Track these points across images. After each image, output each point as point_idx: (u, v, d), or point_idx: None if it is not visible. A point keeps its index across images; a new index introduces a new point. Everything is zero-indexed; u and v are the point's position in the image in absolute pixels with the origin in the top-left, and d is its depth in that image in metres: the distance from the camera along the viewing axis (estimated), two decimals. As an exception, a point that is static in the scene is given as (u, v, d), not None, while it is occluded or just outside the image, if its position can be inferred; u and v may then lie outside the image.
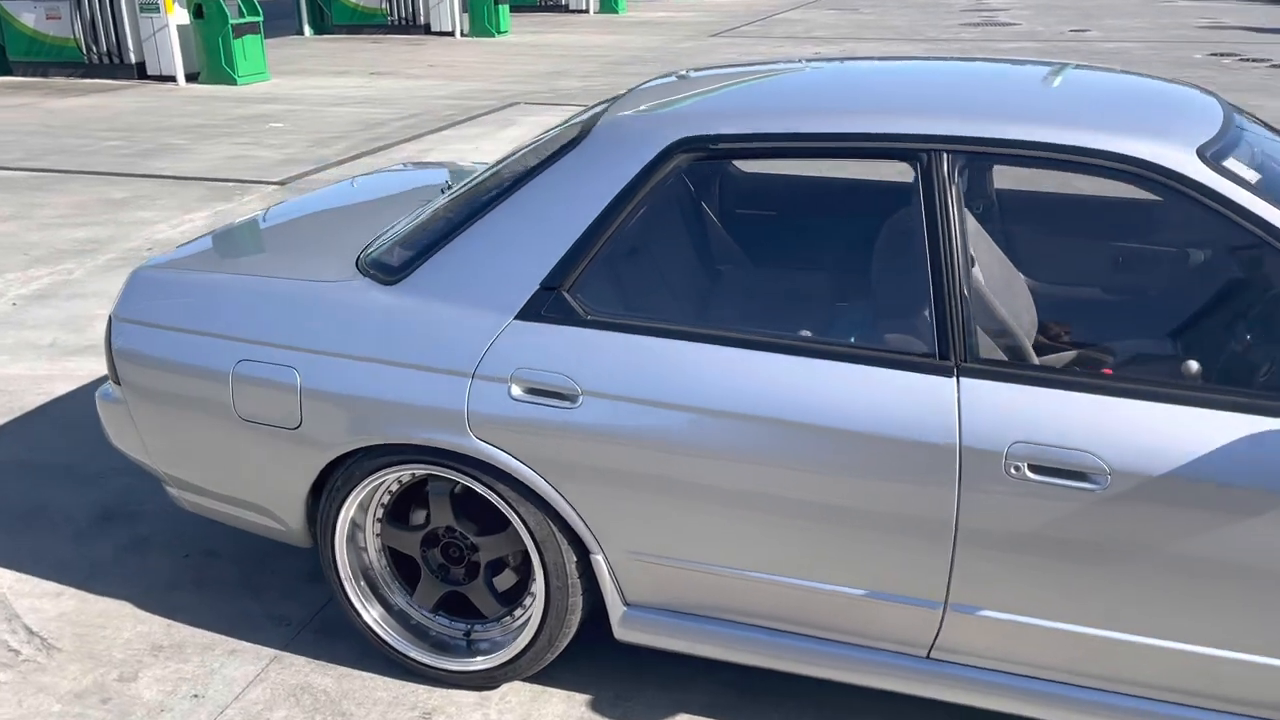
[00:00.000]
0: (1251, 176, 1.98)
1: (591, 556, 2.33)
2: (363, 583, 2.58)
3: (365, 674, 2.61)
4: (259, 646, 2.71)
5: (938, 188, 2.07)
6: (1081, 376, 1.96)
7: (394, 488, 2.51)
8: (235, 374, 2.46)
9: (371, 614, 2.58)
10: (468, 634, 2.58)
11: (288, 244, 2.87)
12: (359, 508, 2.51)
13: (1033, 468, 1.95)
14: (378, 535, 2.58)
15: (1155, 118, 2.13)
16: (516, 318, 2.28)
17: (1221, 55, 14.50)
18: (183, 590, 2.95)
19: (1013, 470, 1.96)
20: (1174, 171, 1.95)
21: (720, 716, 2.44)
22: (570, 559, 2.34)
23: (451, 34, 18.84)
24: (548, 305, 2.26)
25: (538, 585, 2.40)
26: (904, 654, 2.21)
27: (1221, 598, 1.91)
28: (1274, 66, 13.31)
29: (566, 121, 2.84)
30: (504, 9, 19.05)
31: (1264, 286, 2.25)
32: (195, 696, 2.54)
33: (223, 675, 2.61)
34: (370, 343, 2.37)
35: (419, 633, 2.60)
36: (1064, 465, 1.93)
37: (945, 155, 2.08)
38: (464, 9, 19.01)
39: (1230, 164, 2.00)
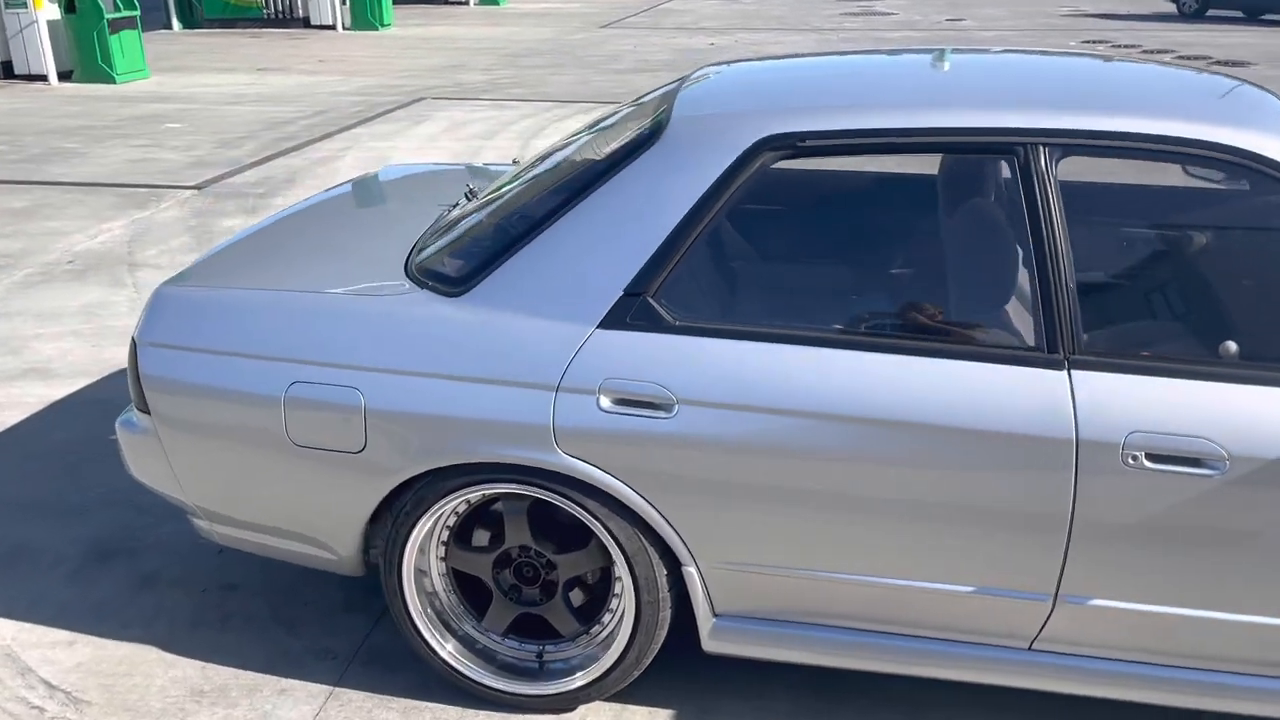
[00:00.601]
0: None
1: (683, 569, 2.27)
2: (430, 611, 2.46)
3: (433, 705, 2.49)
4: (309, 684, 2.56)
5: (1038, 182, 2.07)
6: (1195, 364, 2.00)
7: (460, 509, 2.39)
8: (288, 397, 2.31)
9: (448, 648, 2.46)
10: (540, 655, 2.49)
11: (315, 254, 2.70)
12: (426, 533, 2.39)
13: (1150, 456, 1.98)
14: (442, 559, 2.46)
15: (1236, 109, 2.18)
16: (599, 327, 2.19)
17: (1096, 43, 15.17)
18: (209, 628, 2.76)
19: (1130, 460, 1.99)
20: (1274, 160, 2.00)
21: (801, 717, 2.42)
22: (661, 572, 2.28)
23: (332, 28, 18.24)
24: (633, 313, 2.18)
25: (626, 600, 2.32)
26: (1005, 647, 2.22)
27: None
28: (1146, 52, 13.98)
29: (603, 121, 2.76)
30: (387, 1, 18.56)
31: None
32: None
33: (279, 718, 2.45)
34: (439, 358, 2.25)
35: (487, 658, 2.49)
36: (1181, 452, 1.97)
37: (1044, 149, 2.08)
38: (343, 1, 18.45)
39: None
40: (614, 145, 2.41)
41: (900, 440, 2.06)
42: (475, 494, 2.31)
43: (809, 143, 2.17)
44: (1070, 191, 2.11)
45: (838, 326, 2.15)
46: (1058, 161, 2.09)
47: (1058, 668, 2.20)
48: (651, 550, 2.26)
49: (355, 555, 2.47)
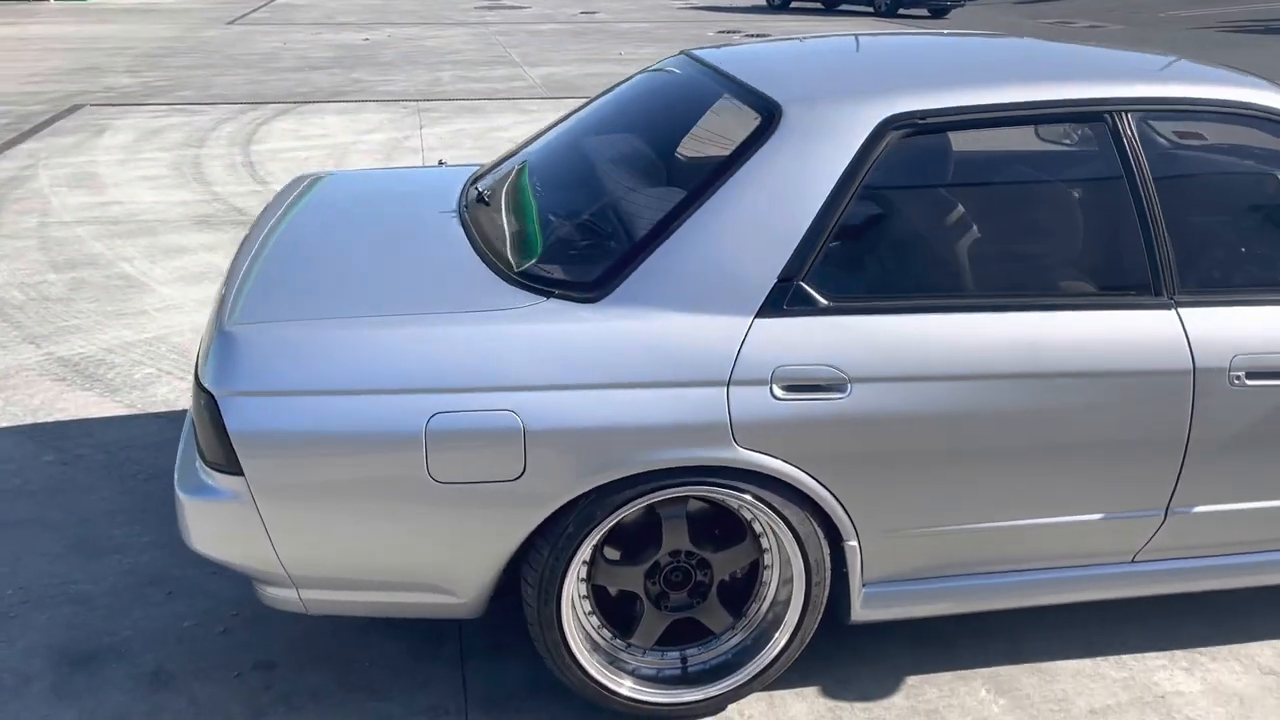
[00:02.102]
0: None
1: (845, 543, 2.31)
2: (583, 643, 2.31)
3: (590, 734, 2.35)
4: (436, 746, 2.32)
5: (1128, 143, 2.34)
6: (1273, 293, 2.36)
7: (610, 527, 2.27)
8: (431, 431, 2.07)
9: (626, 684, 2.34)
10: (683, 660, 2.43)
11: (369, 275, 2.40)
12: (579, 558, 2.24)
13: (1249, 375, 2.32)
14: (583, 580, 2.32)
15: (1243, 78, 2.57)
16: (757, 316, 2.18)
17: (730, 32, 16.41)
18: (279, 716, 2.40)
19: (1234, 381, 2.31)
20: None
21: (926, 671, 2.55)
22: (825, 552, 2.31)
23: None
24: (789, 298, 2.19)
25: (796, 587, 2.33)
26: (1112, 563, 2.49)
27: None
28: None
29: (585, 112, 2.71)
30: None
31: None
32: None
33: (433, 787, 2.20)
34: (597, 368, 2.12)
35: (647, 676, 2.39)
36: (1266, 367, 2.32)
37: (1127, 115, 2.35)
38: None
39: None
40: (708, 136, 2.39)
41: (1047, 390, 2.24)
42: (642, 505, 2.21)
43: (930, 120, 2.29)
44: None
45: (981, 291, 2.29)
46: (1136, 125, 2.37)
47: (1155, 574, 2.51)
48: (819, 531, 2.29)
49: (483, 595, 2.27)
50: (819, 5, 21.79)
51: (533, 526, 2.17)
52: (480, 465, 2.11)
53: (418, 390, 2.09)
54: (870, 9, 20.61)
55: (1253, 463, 2.39)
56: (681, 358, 2.15)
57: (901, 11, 19.85)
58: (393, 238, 2.68)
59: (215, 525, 2.16)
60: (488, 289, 2.27)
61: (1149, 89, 2.39)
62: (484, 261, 2.41)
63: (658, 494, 2.19)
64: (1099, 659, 2.60)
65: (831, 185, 2.23)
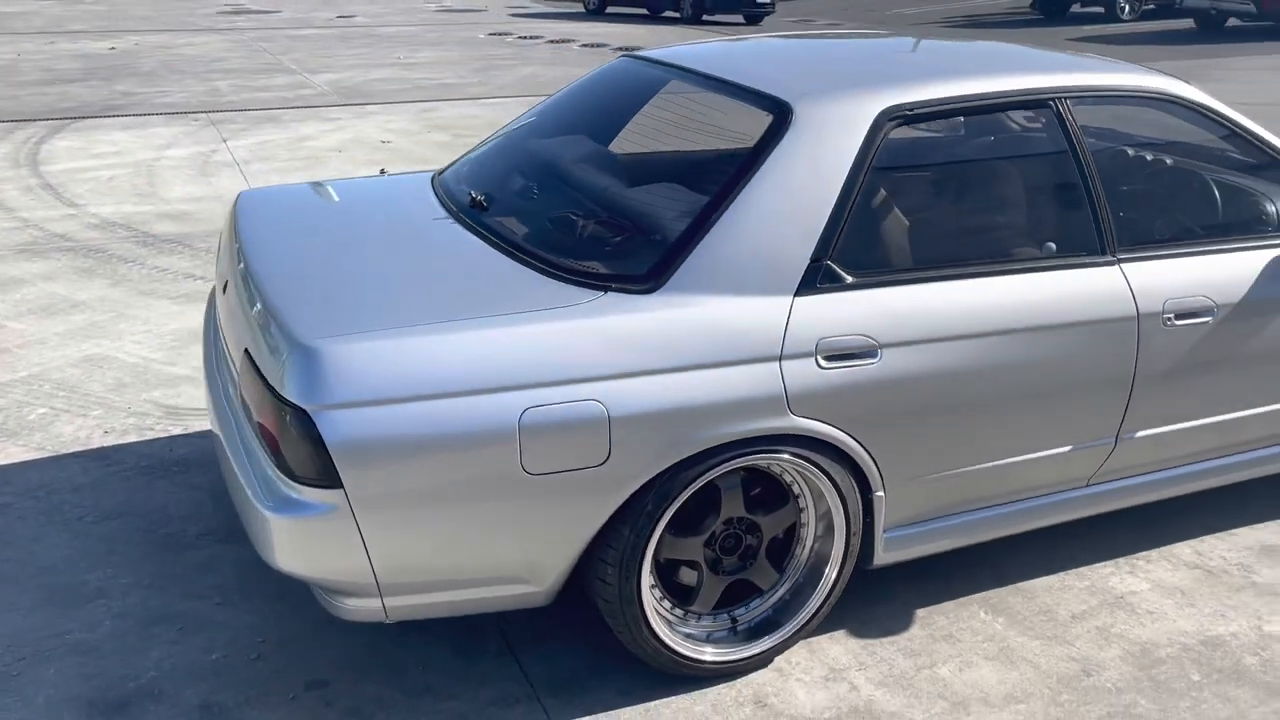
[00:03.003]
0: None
1: (874, 495, 2.57)
2: (655, 615, 2.44)
3: (668, 699, 2.48)
4: (524, 732, 2.40)
5: (1070, 125, 2.73)
6: (1189, 244, 2.81)
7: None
8: (524, 425, 2.16)
9: (706, 651, 2.51)
10: (733, 620, 2.61)
11: (410, 282, 2.42)
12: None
13: (1177, 316, 2.76)
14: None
15: (1151, 71, 3.01)
16: (796, 295, 2.40)
17: (501, 34, 16.48)
18: (354, 729, 2.39)
19: (1166, 322, 2.75)
20: (1197, 100, 2.87)
21: (931, 603, 2.86)
22: (859, 505, 2.56)
23: None
24: (821, 276, 2.43)
25: (836, 539, 2.57)
26: (1073, 489, 2.88)
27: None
28: (551, 42, 15.58)
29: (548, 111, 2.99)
30: None
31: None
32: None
33: (540, 769, 2.28)
34: (662, 354, 2.28)
35: (702, 639, 2.56)
36: (1193, 308, 2.77)
37: (1069, 101, 2.74)
38: None
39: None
40: (722, 134, 2.59)
41: (1034, 341, 2.59)
42: (710, 477, 2.38)
43: (920, 110, 2.59)
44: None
45: (978, 259, 2.60)
46: (1076, 110, 2.76)
47: (1106, 494, 2.93)
48: (856, 488, 2.53)
49: (559, 582, 2.38)
50: (641, 11, 20.95)
51: (616, 507, 2.29)
52: (569, 454, 2.21)
53: (508, 388, 2.17)
54: (678, 15, 19.89)
55: (1180, 391, 2.84)
56: (736, 338, 2.34)
57: (705, 18, 19.06)
58: (402, 246, 2.71)
59: (309, 541, 2.15)
60: (541, 288, 2.37)
61: (1086, 79, 2.80)
62: (518, 262, 2.49)
63: (725, 465, 2.37)
64: (1063, 574, 3.00)
65: (845, 172, 2.48)
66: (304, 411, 2.09)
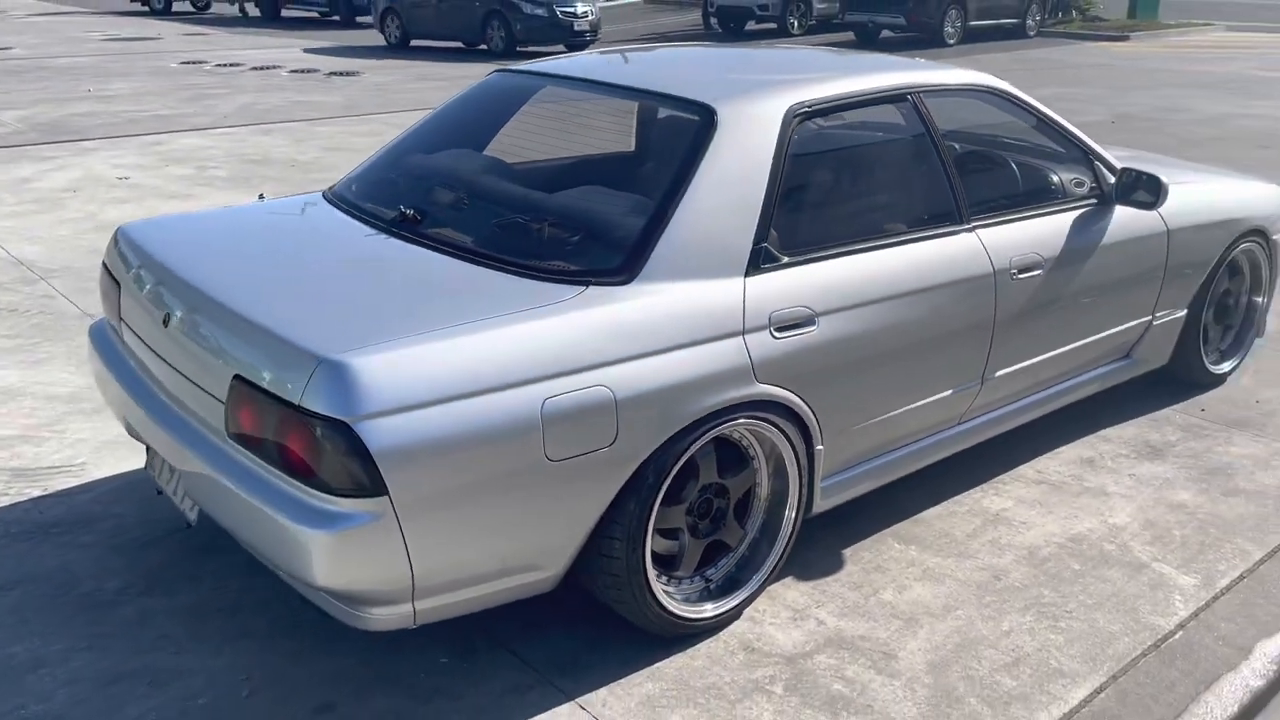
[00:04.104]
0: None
1: (815, 448, 2.88)
2: (660, 587, 2.62)
3: (668, 660, 2.66)
4: (552, 712, 2.49)
5: (926, 115, 3.17)
6: (1017, 210, 3.33)
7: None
8: (545, 415, 2.29)
9: (709, 610, 2.71)
10: (706, 579, 2.83)
11: (390, 294, 2.47)
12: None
13: (1020, 271, 3.27)
14: (640, 529, 2.63)
15: (970, 69, 3.51)
16: (746, 276, 2.68)
17: (196, 63, 15.59)
18: (383, 739, 2.39)
19: (1012, 277, 3.26)
20: (1012, 93, 3.41)
21: (851, 543, 3.21)
22: (806, 458, 2.86)
23: None
24: (762, 258, 2.72)
25: (791, 493, 2.85)
26: (950, 428, 3.34)
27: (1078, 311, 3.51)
28: (256, 68, 14.94)
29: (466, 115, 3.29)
30: None
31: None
32: (596, 766, 2.34)
33: (582, 740, 2.40)
34: (647, 338, 2.49)
35: (693, 600, 2.77)
36: (1030, 263, 3.30)
37: (928, 97, 3.19)
38: None
39: None
40: (654, 135, 2.81)
41: (929, 300, 3.01)
42: (697, 448, 2.59)
43: (816, 106, 2.93)
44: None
45: (881, 233, 2.98)
46: (930, 104, 3.21)
47: (974, 429, 3.41)
48: (803, 441, 2.83)
49: (567, 565, 2.52)
50: (452, 45, 19.63)
51: (622, 483, 2.46)
52: (585, 438, 2.36)
53: (527, 382, 2.29)
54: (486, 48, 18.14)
55: (1025, 334, 3.37)
56: (706, 318, 2.58)
57: (520, 49, 17.23)
58: (357, 262, 2.72)
59: (352, 552, 2.17)
60: (522, 288, 2.50)
61: (935, 77, 3.27)
62: (484, 266, 2.60)
63: (708, 435, 2.60)
64: (946, 503, 3.45)
65: (769, 164, 2.78)
66: (342, 424, 2.11)
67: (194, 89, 12.77)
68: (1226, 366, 4.38)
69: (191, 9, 26.27)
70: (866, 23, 18.51)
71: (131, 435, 2.91)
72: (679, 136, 2.82)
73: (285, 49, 17.62)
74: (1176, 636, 2.80)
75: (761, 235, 2.72)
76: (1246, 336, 4.45)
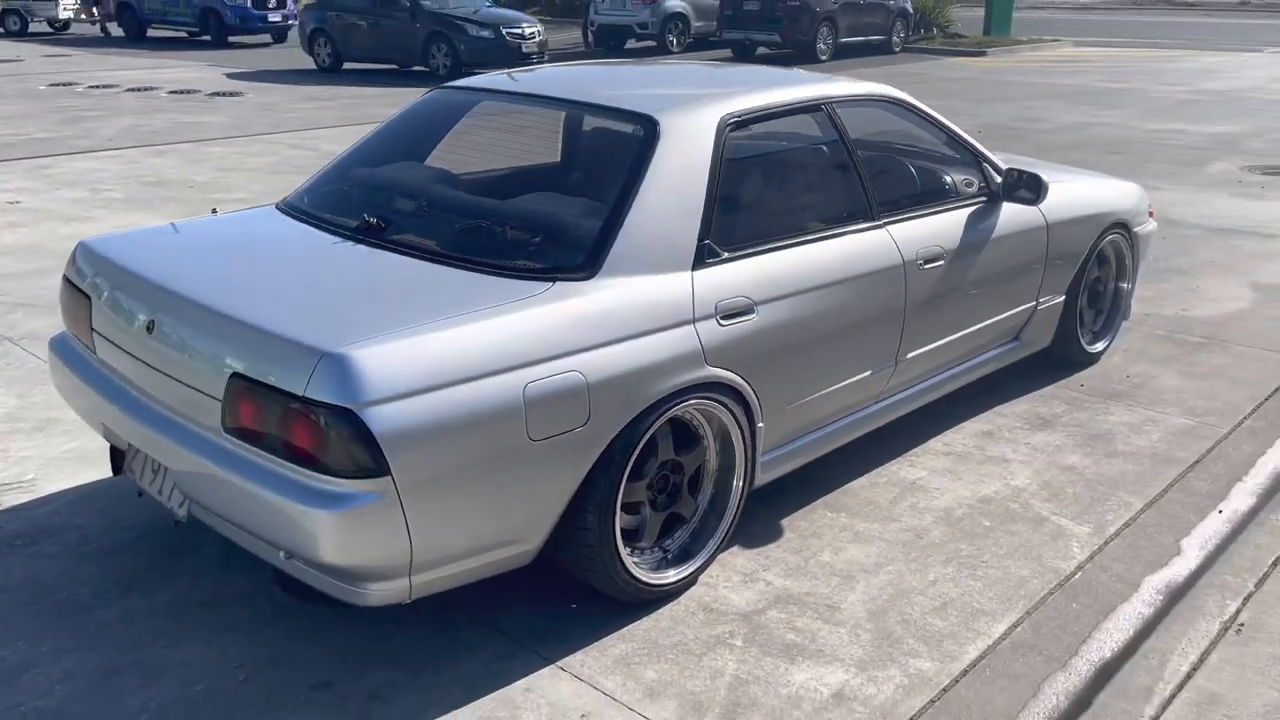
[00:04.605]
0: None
1: (756, 426, 3.17)
2: (625, 548, 2.85)
3: (635, 623, 2.90)
4: (535, 676, 2.70)
5: (840, 124, 3.51)
6: (918, 210, 3.69)
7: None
8: (527, 398, 2.52)
9: (671, 576, 2.96)
10: (664, 549, 3.08)
11: (374, 294, 2.67)
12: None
13: (924, 261, 3.63)
14: (606, 504, 2.87)
15: (874, 81, 3.86)
16: (693, 270, 2.95)
17: (68, 85, 15.14)
18: (384, 715, 2.55)
19: (918, 267, 3.61)
20: (910, 102, 3.78)
21: (786, 514, 3.50)
22: (750, 435, 3.14)
23: None
24: (706, 254, 2.99)
25: (738, 471, 3.12)
26: (869, 406, 3.67)
27: (974, 300, 3.90)
28: (132, 90, 14.60)
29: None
30: None
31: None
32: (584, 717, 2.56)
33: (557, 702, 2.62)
34: (612, 327, 2.74)
35: (657, 567, 3.01)
36: (933, 255, 3.66)
37: (840, 107, 3.52)
38: None
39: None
40: (603, 143, 3.06)
41: (851, 289, 3.34)
42: (657, 427, 2.84)
43: (742, 117, 3.23)
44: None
45: (807, 229, 3.29)
46: (843, 113, 3.55)
47: (889, 406, 3.75)
48: (747, 419, 3.11)
49: (544, 538, 2.74)
50: (49, 30, 18.80)
51: (594, 460, 2.70)
52: (561, 419, 2.60)
53: (509, 369, 2.52)
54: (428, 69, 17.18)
55: (930, 318, 3.73)
56: (661, 308, 2.84)
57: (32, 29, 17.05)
58: (329, 266, 2.89)
59: (358, 529, 2.35)
60: (494, 285, 2.72)
61: (846, 89, 3.61)
62: (452, 267, 2.81)
63: (667, 414, 2.85)
64: (868, 475, 3.79)
65: (707, 168, 3.07)
66: (347, 411, 2.30)
67: (69, 111, 12.45)
68: (1100, 346, 4.86)
69: (49, 29, 25.41)
70: (743, 40, 19.12)
71: (110, 440, 3.01)
72: (625, 145, 3.08)
73: (188, 69, 17.22)
74: (1076, 577, 3.18)
75: (704, 233, 3.00)
76: (1115, 319, 4.94)
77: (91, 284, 3.00)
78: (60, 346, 3.19)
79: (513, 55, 16.17)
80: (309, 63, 17.74)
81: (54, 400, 4.28)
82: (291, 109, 12.88)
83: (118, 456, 3.12)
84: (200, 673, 2.71)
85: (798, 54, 18.55)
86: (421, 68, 16.86)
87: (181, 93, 14.34)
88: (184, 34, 23.31)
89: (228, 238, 3.19)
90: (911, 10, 20.95)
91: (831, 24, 18.53)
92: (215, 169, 9.12)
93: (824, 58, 18.55)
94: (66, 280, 3.13)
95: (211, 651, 2.79)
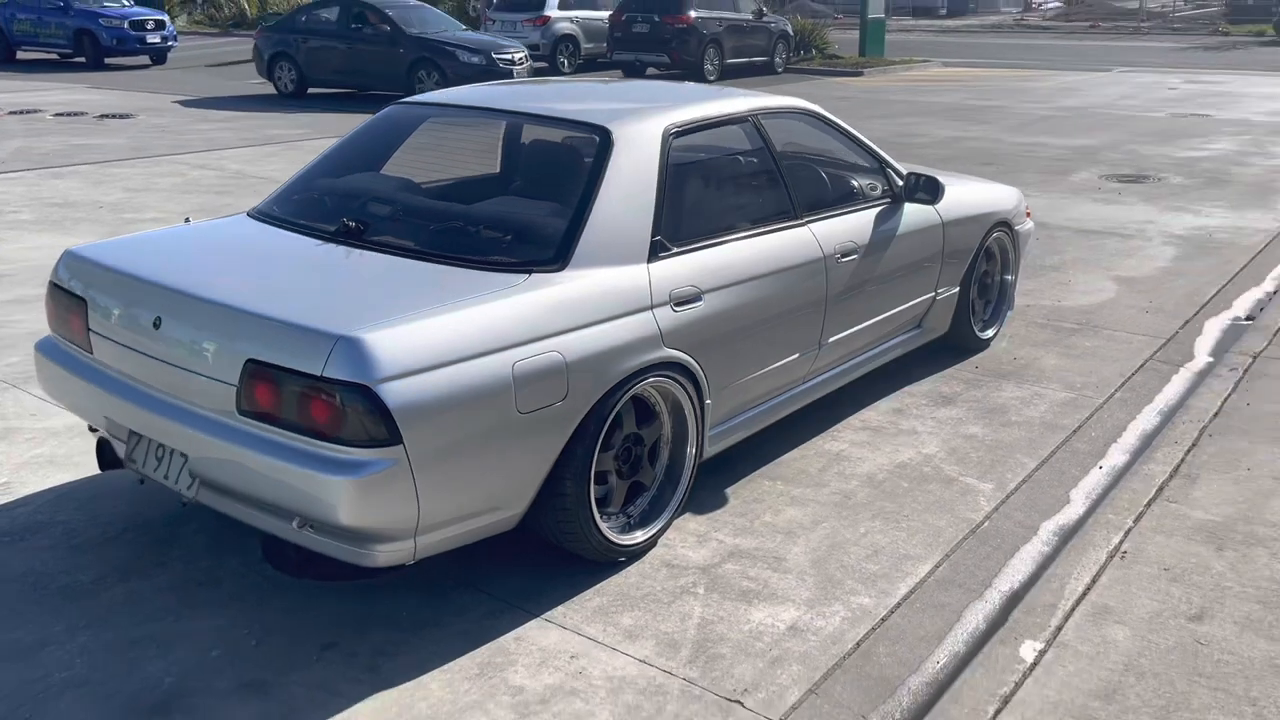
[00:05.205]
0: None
1: (705, 402, 3.54)
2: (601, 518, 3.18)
3: (607, 580, 3.22)
4: (525, 629, 3.00)
5: (765, 133, 3.92)
6: (834, 210, 4.13)
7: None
8: (515, 375, 2.84)
9: (637, 536, 3.30)
10: (627, 514, 3.42)
11: (368, 287, 2.96)
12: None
13: (841, 255, 4.07)
14: (582, 472, 3.19)
15: (792, 96, 4.29)
16: (649, 262, 3.32)
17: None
18: (392, 668, 2.82)
19: (836, 261, 4.05)
20: (823, 115, 4.22)
21: (730, 483, 3.88)
22: (701, 411, 3.51)
23: None
24: (658, 249, 3.36)
25: (691, 441, 3.48)
26: (796, 386, 4.09)
27: (872, 294, 4.35)
28: (14, 113, 14.26)
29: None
30: None
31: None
32: (577, 669, 2.87)
33: (544, 648, 2.92)
34: (583, 313, 3.08)
35: (624, 529, 3.34)
36: (849, 250, 4.10)
37: (765, 119, 3.94)
38: None
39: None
40: (564, 150, 3.41)
41: (781, 279, 3.75)
42: (623, 402, 3.18)
43: (683, 127, 3.61)
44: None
45: (744, 226, 3.68)
46: (769, 124, 3.96)
47: (813, 386, 4.17)
48: (697, 396, 3.48)
49: (528, 504, 3.05)
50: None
51: (572, 432, 3.03)
52: (543, 394, 2.92)
53: (500, 349, 2.84)
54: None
55: (848, 307, 4.17)
56: (623, 296, 3.20)
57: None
58: (318, 264, 3.16)
59: (375, 494, 2.63)
60: (475, 277, 3.04)
61: (769, 102, 4.04)
62: (432, 263, 3.12)
63: (631, 390, 3.20)
64: (797, 448, 4.20)
65: (655, 173, 3.44)
66: (363, 387, 2.58)
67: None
68: (989, 333, 5.40)
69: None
70: (633, 61, 19.64)
71: (110, 433, 3.20)
72: (582, 153, 3.44)
73: (68, 92, 16.79)
74: (985, 524, 3.64)
75: (656, 230, 3.37)
76: (1001, 309, 5.49)
77: (86, 288, 3.19)
78: (48, 349, 3.36)
79: (504, 79, 15.37)
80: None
81: (10, 411, 4.39)
82: (188, 130, 12.80)
83: (105, 453, 3.31)
84: (213, 640, 2.93)
85: (686, 74, 19.15)
86: (401, 93, 16.06)
87: (68, 115, 14.06)
88: (55, 56, 22.65)
89: (212, 242, 3.41)
90: (792, 32, 21.84)
91: (718, 46, 19.21)
92: (122, 190, 9.10)
93: (711, 78, 19.19)
94: (55, 286, 3.31)
95: (220, 622, 3.02)
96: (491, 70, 15.74)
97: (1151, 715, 2.62)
